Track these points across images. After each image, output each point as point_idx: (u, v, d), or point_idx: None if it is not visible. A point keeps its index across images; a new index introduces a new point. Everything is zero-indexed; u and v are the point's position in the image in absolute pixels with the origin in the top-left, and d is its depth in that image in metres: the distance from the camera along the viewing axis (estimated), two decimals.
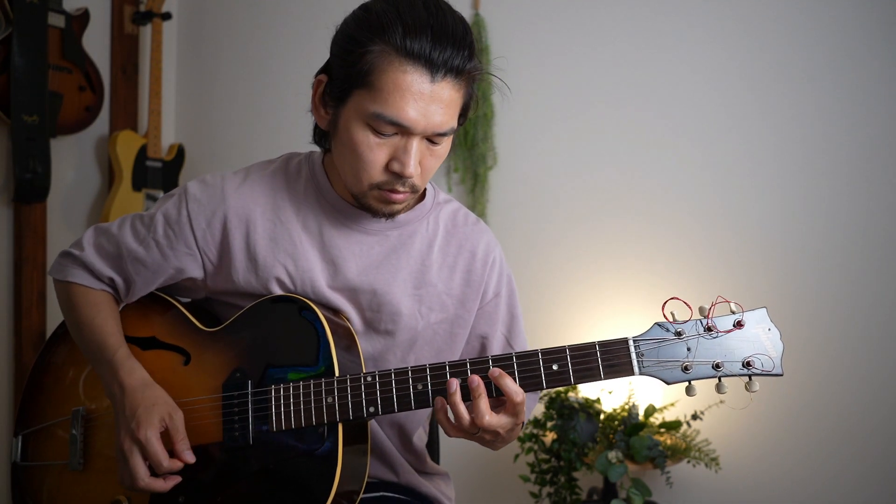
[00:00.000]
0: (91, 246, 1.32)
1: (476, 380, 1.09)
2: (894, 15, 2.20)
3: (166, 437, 1.18)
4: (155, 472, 1.18)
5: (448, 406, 1.11)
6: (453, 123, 1.15)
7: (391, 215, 1.23)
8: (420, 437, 1.42)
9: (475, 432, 1.12)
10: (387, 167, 1.15)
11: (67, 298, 1.33)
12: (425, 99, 1.10)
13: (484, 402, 1.09)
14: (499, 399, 1.12)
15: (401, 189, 1.17)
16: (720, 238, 2.36)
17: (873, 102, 2.21)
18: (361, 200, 1.21)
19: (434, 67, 1.09)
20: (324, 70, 1.20)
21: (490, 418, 1.10)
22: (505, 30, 2.58)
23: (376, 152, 1.14)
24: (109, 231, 1.32)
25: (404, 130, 1.12)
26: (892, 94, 2.20)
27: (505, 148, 2.59)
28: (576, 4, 2.53)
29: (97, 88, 2.73)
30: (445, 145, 1.18)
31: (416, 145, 1.13)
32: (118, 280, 1.31)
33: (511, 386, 1.10)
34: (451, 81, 1.11)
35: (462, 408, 1.10)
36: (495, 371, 1.10)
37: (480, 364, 1.12)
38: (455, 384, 1.10)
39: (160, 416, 1.18)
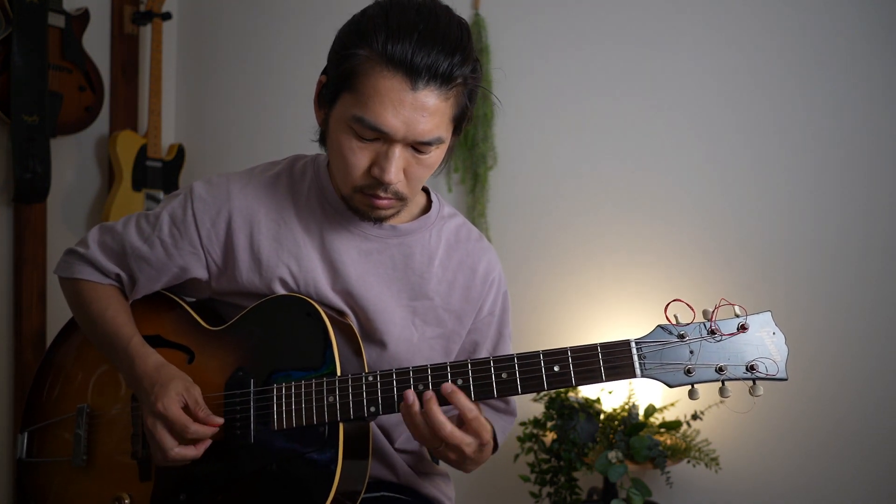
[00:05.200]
0: (96, 244, 1.33)
1: (429, 393, 1.11)
2: None
3: (187, 412, 1.18)
4: (184, 441, 1.17)
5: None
6: (440, 133, 1.13)
7: (377, 219, 1.23)
8: (408, 441, 1.41)
9: (437, 445, 1.12)
10: (369, 171, 1.15)
11: (76, 295, 1.35)
12: (406, 106, 1.08)
13: (438, 412, 1.10)
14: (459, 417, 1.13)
15: (382, 194, 1.16)
16: (724, 240, 2.36)
17: (882, 103, 2.21)
18: (349, 203, 1.22)
19: (415, 73, 1.07)
20: (325, 71, 1.20)
21: (452, 430, 1.10)
22: (505, 29, 2.58)
23: (358, 156, 1.14)
24: (114, 229, 1.33)
25: (385, 136, 1.11)
26: None
27: (505, 148, 2.59)
28: (576, 4, 2.52)
29: (97, 88, 2.73)
30: (435, 155, 1.16)
31: (397, 152, 1.12)
32: (124, 276, 1.33)
33: (463, 402, 1.10)
34: (436, 89, 1.09)
35: (419, 418, 1.11)
36: (448, 387, 1.11)
37: (482, 364, 1.12)
38: (412, 396, 1.11)
39: (177, 391, 1.18)
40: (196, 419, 1.17)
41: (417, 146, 1.13)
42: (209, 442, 1.19)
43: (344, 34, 1.14)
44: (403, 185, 1.17)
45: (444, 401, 1.12)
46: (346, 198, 1.21)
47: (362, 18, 1.12)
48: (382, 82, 1.08)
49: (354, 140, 1.13)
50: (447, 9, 1.13)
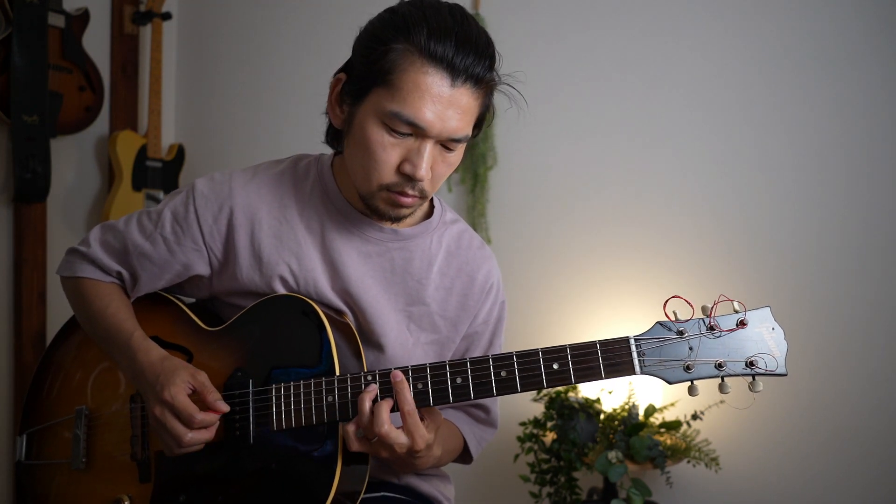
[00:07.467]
0: (97, 242, 1.33)
1: (399, 374, 1.12)
2: None
3: (195, 398, 1.18)
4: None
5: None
6: (468, 131, 1.15)
7: (397, 219, 1.23)
8: None
9: (372, 438, 1.12)
10: (398, 168, 1.15)
11: (78, 294, 1.34)
12: (443, 102, 1.10)
13: (385, 411, 1.11)
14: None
15: (410, 192, 1.16)
16: (723, 236, 2.36)
17: (881, 100, 2.21)
18: (369, 202, 1.20)
19: (455, 72, 1.09)
20: (343, 69, 1.20)
21: (388, 428, 1.10)
22: (505, 29, 2.58)
23: (389, 152, 1.14)
24: (116, 228, 1.33)
25: (419, 132, 1.12)
26: None
27: (505, 148, 2.59)
28: (576, 4, 2.53)
29: (97, 88, 2.73)
30: (458, 153, 1.18)
31: (429, 148, 1.13)
32: (125, 274, 1.32)
33: (405, 396, 1.11)
34: (471, 89, 1.12)
35: (367, 405, 1.12)
36: (397, 375, 1.12)
37: (481, 363, 1.12)
38: (375, 388, 1.13)
39: (182, 378, 1.17)
40: (205, 402, 1.16)
41: (446, 143, 1.15)
42: (218, 422, 1.18)
43: (377, 29, 1.14)
44: (428, 182, 1.17)
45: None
46: (366, 196, 1.20)
47: (395, 16, 1.13)
48: (423, 78, 1.09)
49: (387, 136, 1.13)
50: (472, 15, 1.17)
